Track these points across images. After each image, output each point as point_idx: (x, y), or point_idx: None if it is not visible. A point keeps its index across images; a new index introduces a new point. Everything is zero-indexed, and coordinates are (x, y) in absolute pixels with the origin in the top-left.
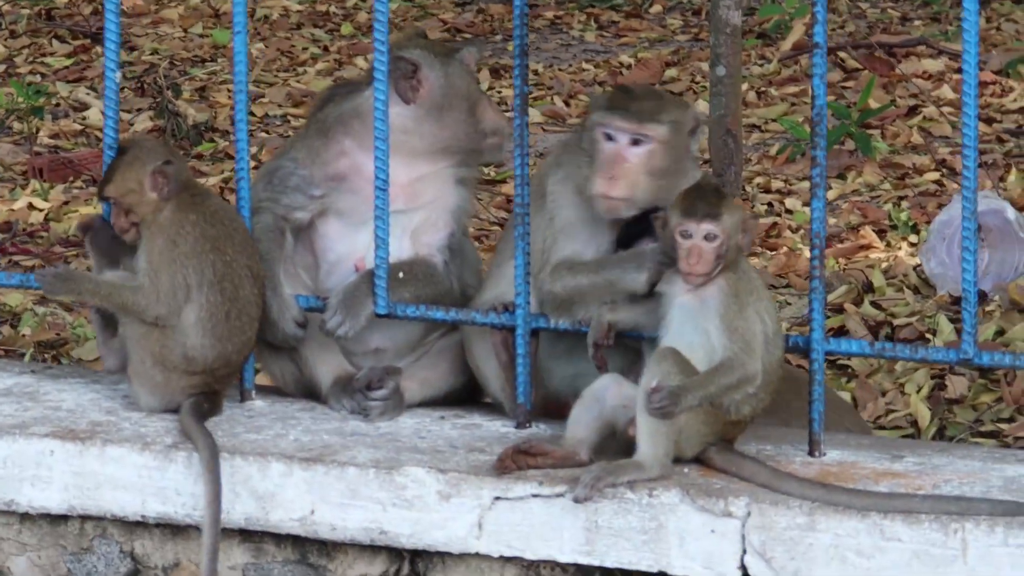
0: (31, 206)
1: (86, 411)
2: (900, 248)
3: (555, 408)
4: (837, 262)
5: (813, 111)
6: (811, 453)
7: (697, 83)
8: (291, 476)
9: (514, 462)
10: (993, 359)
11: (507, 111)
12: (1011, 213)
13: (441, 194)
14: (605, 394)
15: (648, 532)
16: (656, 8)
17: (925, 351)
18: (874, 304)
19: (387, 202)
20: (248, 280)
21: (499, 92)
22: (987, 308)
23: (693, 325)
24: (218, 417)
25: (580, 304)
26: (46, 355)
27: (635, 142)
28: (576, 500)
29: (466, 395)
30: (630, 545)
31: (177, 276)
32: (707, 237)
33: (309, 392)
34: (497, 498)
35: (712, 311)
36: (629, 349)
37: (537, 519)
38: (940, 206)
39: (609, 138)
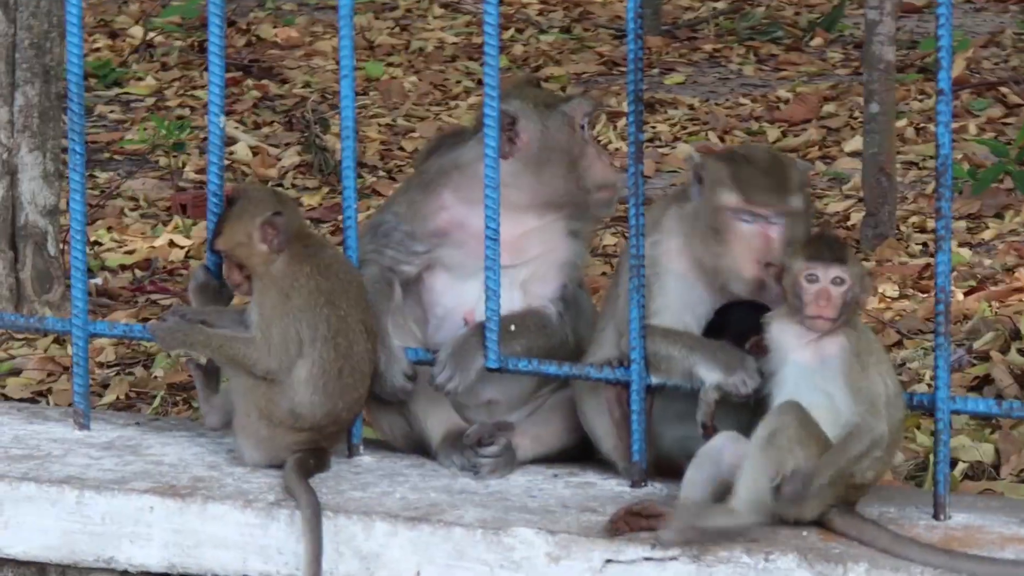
0: (172, 243)
1: (189, 466)
2: None
3: (667, 469)
4: (989, 305)
5: (938, 161)
6: (936, 516)
7: (855, 118)
8: (396, 536)
9: (627, 523)
10: None
11: (660, 146)
12: None
13: (551, 248)
14: (721, 454)
15: None
16: (817, 41)
17: None
18: (1021, 352)
19: (498, 252)
20: (362, 336)
21: (653, 127)
22: None
23: (811, 385)
24: (324, 474)
25: (664, 373)
26: (177, 398)
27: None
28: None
29: (580, 453)
30: None
31: (290, 330)
32: (835, 281)
33: (419, 447)
34: (608, 560)
35: (834, 371)
36: (743, 407)
37: None
38: None
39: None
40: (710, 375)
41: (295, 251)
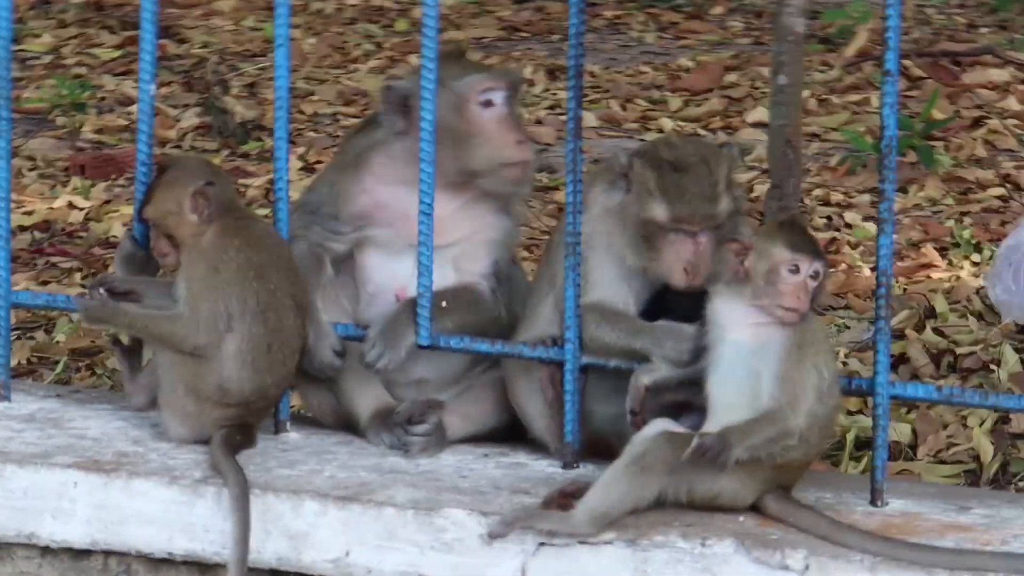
0: (71, 205)
1: (112, 440)
2: (962, 268)
3: (599, 448)
4: (898, 282)
5: (883, 142)
6: (873, 502)
7: (757, 88)
8: (325, 515)
9: (559, 506)
10: None
11: (562, 114)
12: None
13: (480, 225)
14: None
15: None
16: (718, 9)
17: (996, 398)
18: (936, 331)
19: (431, 228)
20: (291, 311)
21: (554, 95)
22: None
23: (745, 365)
24: (251, 450)
25: (602, 356)
26: (80, 364)
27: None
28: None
29: (511, 432)
30: None
31: (219, 304)
32: (813, 275)
33: (347, 424)
34: (542, 544)
35: (770, 356)
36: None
37: (583, 566)
38: (1004, 223)
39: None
40: (667, 358)
41: (225, 224)
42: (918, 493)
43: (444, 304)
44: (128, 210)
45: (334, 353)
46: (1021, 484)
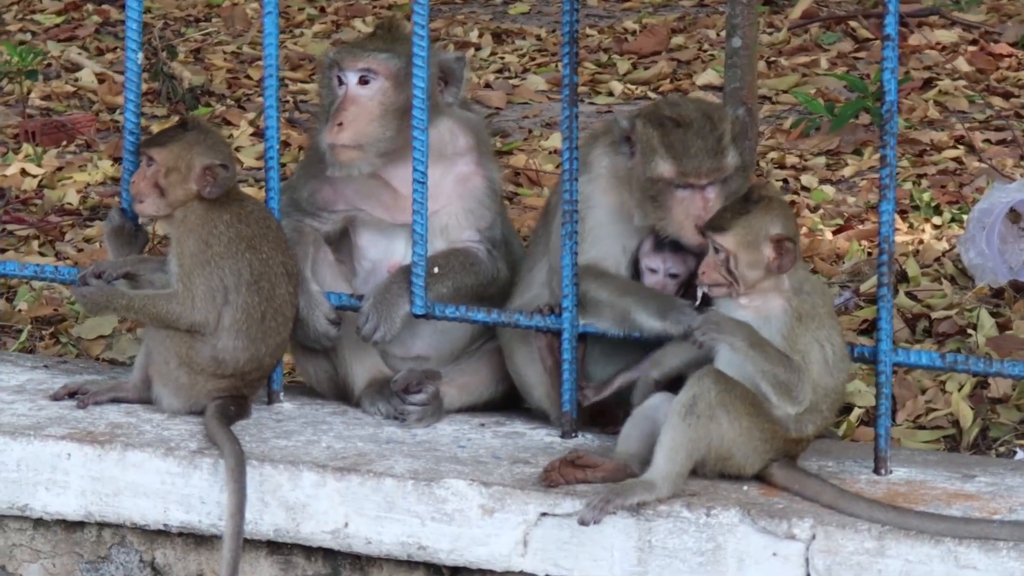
0: (24, 172)
1: (105, 411)
2: (924, 231)
3: (598, 414)
4: (860, 245)
5: (883, 107)
6: (877, 471)
7: (704, 51)
8: (324, 486)
9: (562, 475)
10: None
11: (510, 78)
12: None
13: (462, 191)
14: (658, 412)
15: (704, 553)
16: None
17: (1000, 365)
18: (909, 295)
19: (425, 196)
20: (284, 279)
21: (502, 58)
22: None
23: None
24: (245, 421)
25: (594, 315)
26: (43, 332)
27: None
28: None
29: (506, 402)
30: (685, 567)
31: (213, 278)
32: (715, 249)
33: (342, 393)
34: (544, 514)
35: (774, 331)
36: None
37: (586, 537)
38: (962, 185)
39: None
40: (646, 321)
41: (216, 199)
42: (921, 461)
43: (436, 270)
44: (82, 176)
45: (328, 322)
46: (1001, 449)
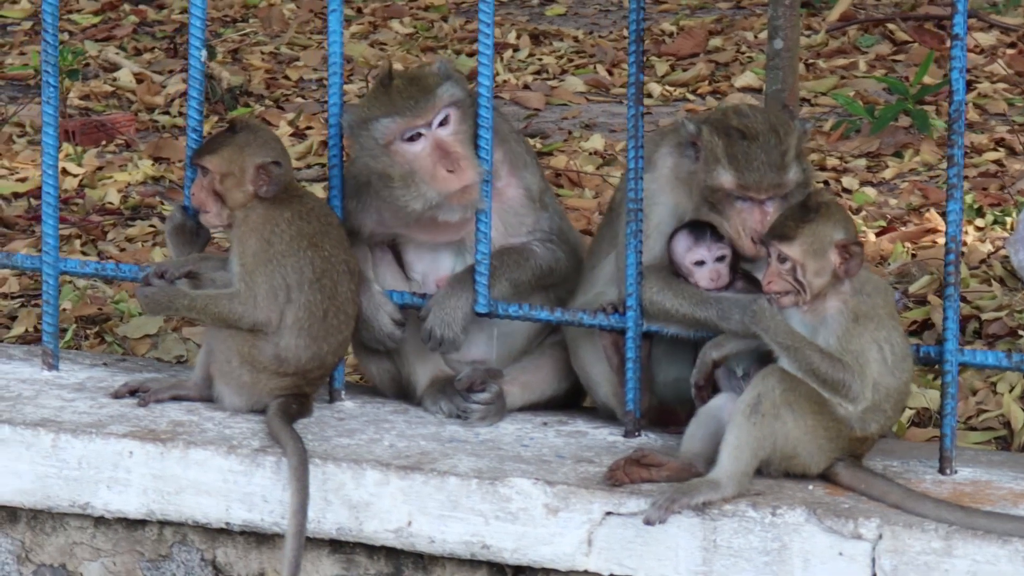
0: (65, 171)
1: (166, 409)
2: (967, 233)
3: (660, 415)
4: (904, 247)
5: (951, 107)
6: (942, 471)
7: (742, 53)
8: (387, 485)
9: (627, 475)
10: None
11: (548, 79)
12: None
13: (492, 211)
14: (722, 411)
15: (770, 553)
16: None
17: None
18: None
19: (490, 194)
20: (346, 277)
21: (539, 60)
22: None
23: (814, 340)
24: (307, 420)
25: (660, 321)
26: (88, 331)
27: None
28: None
29: (567, 400)
30: (750, 566)
31: (275, 277)
32: (779, 258)
33: (403, 392)
34: (608, 513)
35: (830, 330)
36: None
37: (651, 536)
38: (1002, 188)
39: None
40: (733, 326)
41: (276, 197)
42: (985, 461)
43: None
44: (123, 176)
45: (394, 323)
46: None
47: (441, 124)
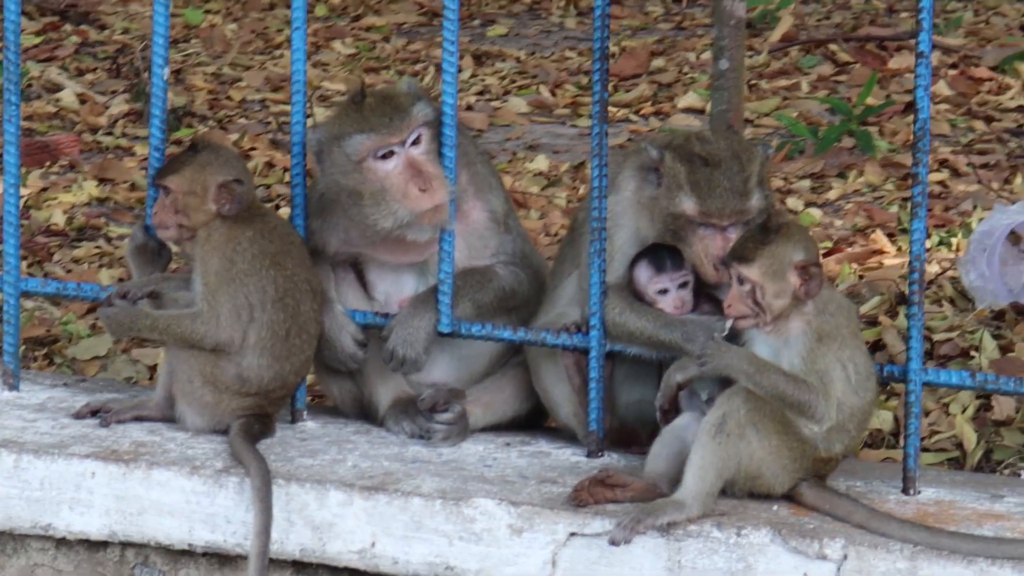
0: None
1: (128, 430)
2: None
3: (622, 436)
4: (851, 268)
5: (916, 125)
6: (905, 491)
7: (684, 74)
8: (351, 506)
9: (591, 495)
10: None
11: (492, 100)
12: None
13: (457, 233)
14: (685, 432)
15: (735, 574)
16: None
17: None
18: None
19: (453, 213)
20: (308, 296)
21: (482, 80)
22: None
23: (778, 361)
24: (269, 440)
25: (623, 342)
26: (36, 354)
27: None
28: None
29: (529, 421)
30: None
31: (238, 296)
32: (738, 280)
33: (365, 412)
34: (573, 533)
35: (794, 350)
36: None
37: (616, 557)
38: (947, 209)
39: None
40: (678, 345)
41: (237, 216)
42: (948, 481)
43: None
44: (67, 197)
45: (356, 343)
46: (1006, 471)
47: (413, 143)
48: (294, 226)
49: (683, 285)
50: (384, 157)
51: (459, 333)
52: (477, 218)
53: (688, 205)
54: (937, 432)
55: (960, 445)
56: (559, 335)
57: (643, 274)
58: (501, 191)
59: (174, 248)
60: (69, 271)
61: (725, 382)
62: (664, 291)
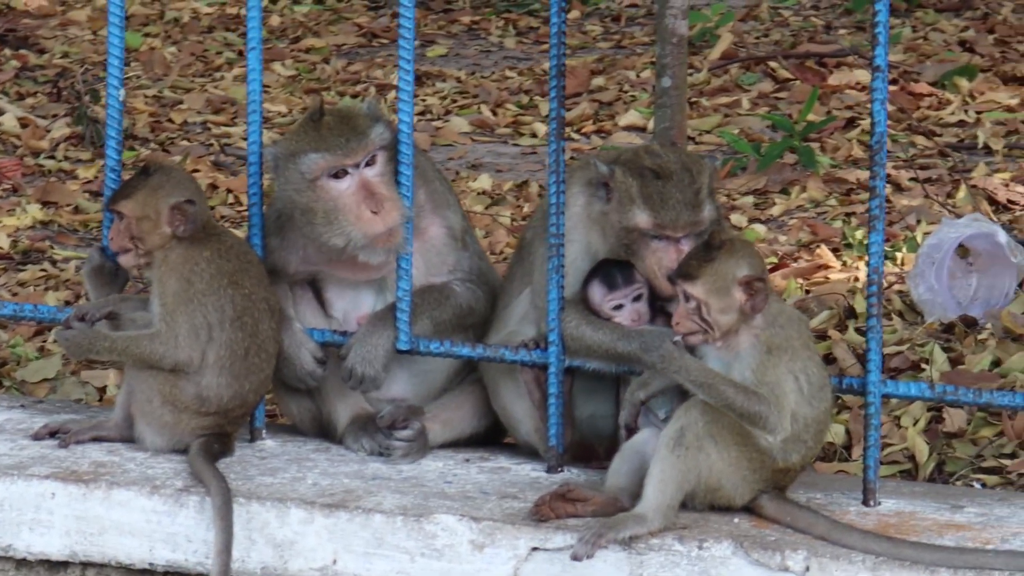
0: None
1: (87, 450)
2: (858, 268)
3: (581, 451)
4: (797, 283)
5: (872, 138)
6: (865, 502)
7: (625, 92)
8: (312, 523)
9: (552, 509)
10: None
11: (433, 120)
12: (1002, 237)
13: (415, 250)
14: (645, 447)
15: None
16: (574, 14)
17: (990, 395)
18: (859, 331)
19: (411, 231)
20: (267, 315)
21: (423, 100)
22: (979, 336)
23: (730, 374)
24: (229, 459)
25: (581, 356)
26: None
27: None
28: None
29: (488, 437)
30: None
31: (196, 316)
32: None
33: (324, 430)
34: (535, 548)
35: (745, 364)
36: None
37: (578, 571)
38: (891, 223)
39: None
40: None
41: (194, 237)
42: (908, 493)
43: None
44: (11, 221)
45: (315, 361)
46: (958, 483)
47: (368, 164)
48: (251, 245)
49: (637, 298)
50: (337, 176)
51: (418, 350)
52: (435, 234)
53: (642, 218)
54: (889, 444)
55: (912, 457)
56: (518, 351)
57: (597, 293)
58: (458, 208)
59: (134, 272)
60: (15, 294)
61: (683, 398)
62: (619, 306)
